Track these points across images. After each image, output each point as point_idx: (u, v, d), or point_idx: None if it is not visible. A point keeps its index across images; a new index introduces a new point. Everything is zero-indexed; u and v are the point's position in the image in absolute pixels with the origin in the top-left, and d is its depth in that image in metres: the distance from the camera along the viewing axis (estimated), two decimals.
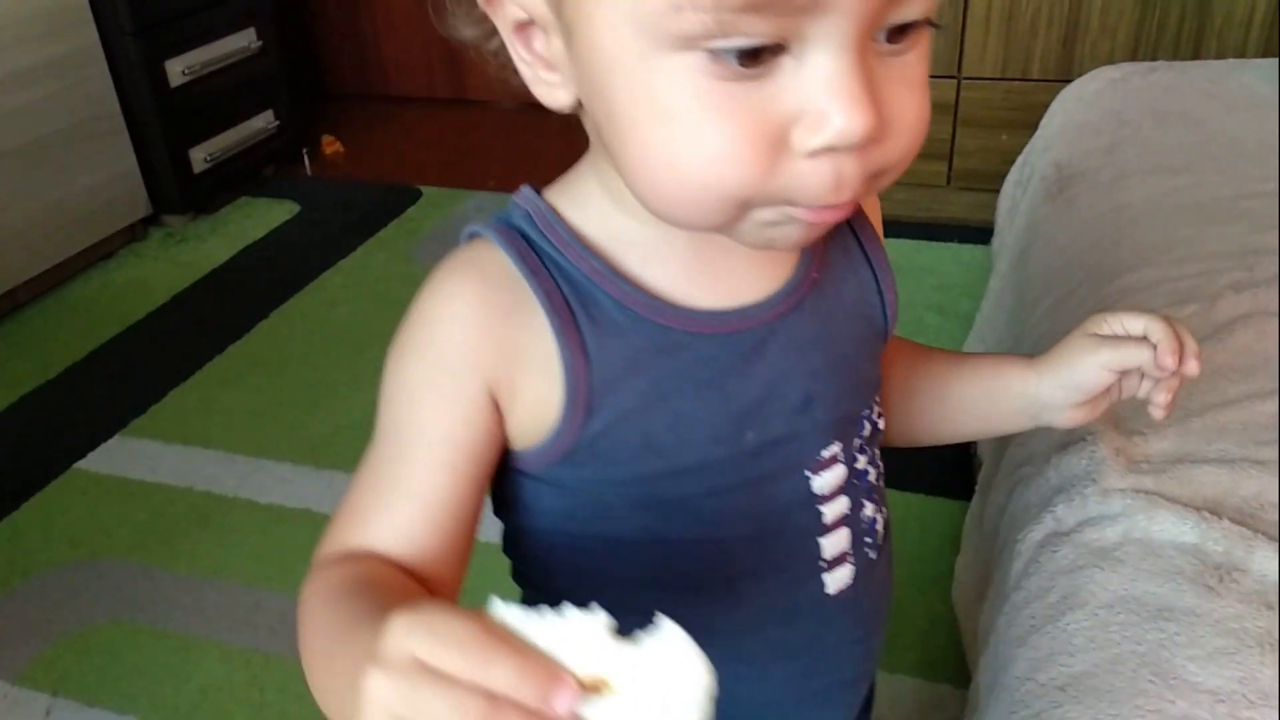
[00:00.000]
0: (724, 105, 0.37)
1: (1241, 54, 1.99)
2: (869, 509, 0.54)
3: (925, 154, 2.05)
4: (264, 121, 2.65)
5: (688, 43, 0.36)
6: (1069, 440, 0.81)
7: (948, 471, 1.51)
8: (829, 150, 0.37)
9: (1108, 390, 0.56)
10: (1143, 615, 0.64)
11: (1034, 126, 1.67)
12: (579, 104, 0.43)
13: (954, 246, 2.20)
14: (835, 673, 0.56)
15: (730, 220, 0.41)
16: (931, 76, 1.77)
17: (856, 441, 0.53)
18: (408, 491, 0.46)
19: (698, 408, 0.48)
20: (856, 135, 0.37)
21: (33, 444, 1.76)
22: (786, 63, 0.37)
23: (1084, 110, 1.44)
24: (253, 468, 1.65)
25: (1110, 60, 1.95)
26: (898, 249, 2.28)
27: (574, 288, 0.46)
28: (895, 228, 2.33)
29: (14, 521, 1.58)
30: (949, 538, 1.40)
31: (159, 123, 2.38)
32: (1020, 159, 1.62)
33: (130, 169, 2.38)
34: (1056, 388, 0.57)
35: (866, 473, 0.54)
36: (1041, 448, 0.84)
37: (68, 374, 1.94)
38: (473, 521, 0.48)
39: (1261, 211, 1.06)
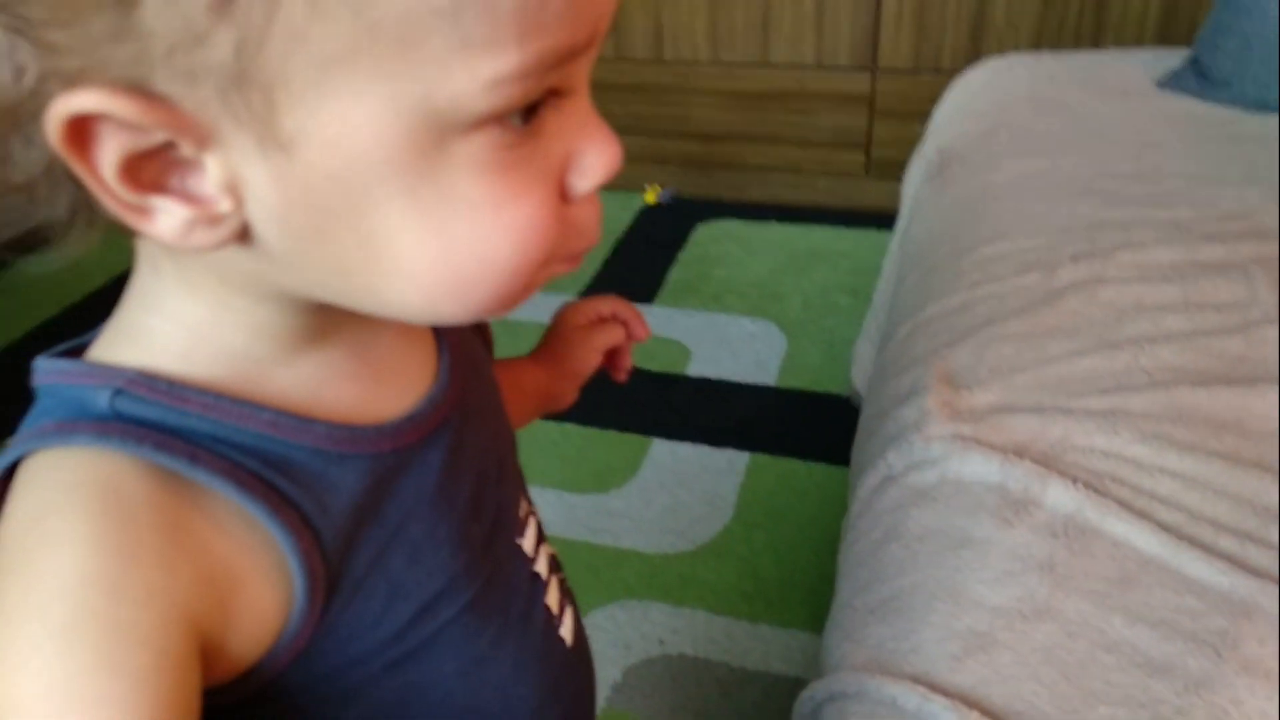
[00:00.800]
0: (517, 176, 0.32)
1: (1139, 46, 2.08)
2: (554, 554, 0.52)
3: (845, 144, 2.14)
4: None
5: (486, 120, 0.30)
6: (905, 394, 0.88)
7: (847, 441, 1.58)
8: (596, 188, 0.35)
9: None
10: (945, 545, 0.70)
11: None
12: (212, 247, 0.32)
13: (871, 233, 2.28)
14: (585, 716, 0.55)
15: (516, 293, 0.35)
16: (848, 68, 1.90)
17: (525, 489, 0.52)
18: None
19: (432, 526, 0.42)
20: (618, 163, 0.35)
21: None
22: (548, 112, 0.33)
23: (971, 98, 1.51)
24: None
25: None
26: (818, 236, 2.35)
27: (254, 456, 0.36)
28: (816, 215, 2.41)
29: None
30: (844, 502, 1.47)
31: None
32: (920, 146, 1.70)
33: None
34: (561, 378, 0.63)
35: (535, 513, 0.52)
36: (885, 404, 0.91)
37: None
38: None
39: (1112, 190, 1.14)
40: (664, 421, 1.73)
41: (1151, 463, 0.73)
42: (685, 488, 1.59)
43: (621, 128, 2.26)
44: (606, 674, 1.29)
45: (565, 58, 0.31)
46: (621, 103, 2.44)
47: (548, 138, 0.33)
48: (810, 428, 1.71)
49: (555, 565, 0.52)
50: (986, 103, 1.46)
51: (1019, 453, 0.75)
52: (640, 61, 2.39)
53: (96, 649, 0.30)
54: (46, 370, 0.36)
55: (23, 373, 0.37)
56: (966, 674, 0.60)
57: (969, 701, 0.57)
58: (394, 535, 0.40)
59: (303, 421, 0.37)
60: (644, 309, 2.07)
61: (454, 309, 0.34)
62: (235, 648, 0.35)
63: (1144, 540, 0.65)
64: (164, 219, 0.31)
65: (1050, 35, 2.13)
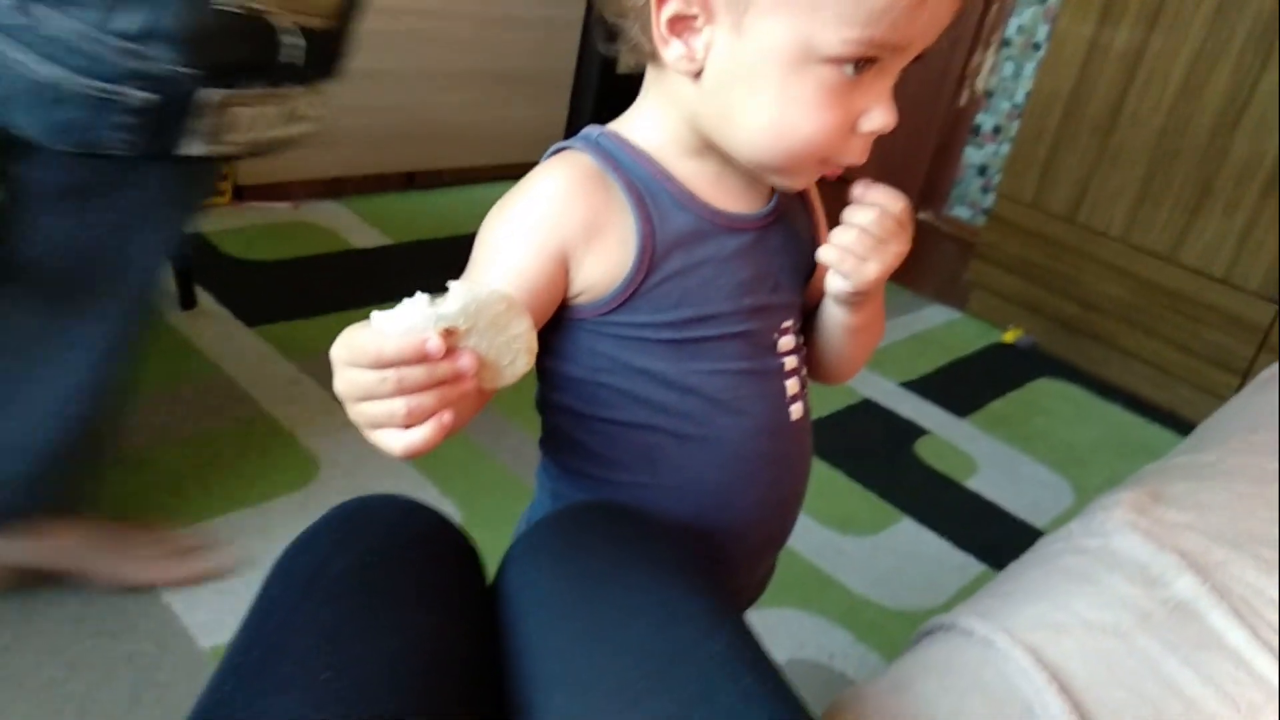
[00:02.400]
0: (836, 100, 0.59)
1: None
2: (803, 370, 0.77)
3: (1222, 364, 2.24)
4: None
5: (833, 60, 0.57)
6: (1109, 495, 1.00)
7: None
8: (872, 134, 0.62)
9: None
10: (1074, 578, 0.84)
11: None
12: (683, 75, 0.62)
13: None
14: (793, 485, 0.79)
15: (800, 169, 0.63)
16: (1254, 294, 2.06)
17: (797, 323, 0.76)
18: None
19: (717, 276, 0.69)
20: (891, 127, 0.61)
21: (410, 283, 2.32)
22: (867, 75, 0.59)
23: None
24: None
25: None
26: (1154, 434, 2.38)
27: (642, 182, 0.66)
28: (1164, 417, 2.39)
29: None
30: None
31: (594, 96, 2.95)
32: None
33: (557, 120, 2.96)
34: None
35: (802, 346, 0.77)
36: (1095, 503, 1.03)
37: (448, 240, 2.51)
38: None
39: None
40: (923, 508, 1.87)
41: None
42: (911, 564, 1.72)
43: (1010, 266, 2.57)
44: None
45: (887, 47, 0.58)
46: (1022, 244, 2.58)
47: (860, 91, 0.60)
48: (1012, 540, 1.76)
49: (801, 376, 0.76)
50: None
51: (1174, 551, 0.86)
52: (1053, 215, 2.52)
53: (513, 230, 0.65)
54: (587, 129, 0.70)
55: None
56: (1032, 635, 0.74)
57: (1019, 642, 0.72)
58: (694, 265, 0.68)
59: (672, 179, 0.68)
60: (954, 419, 2.20)
61: (763, 161, 0.63)
62: (585, 273, 0.66)
63: (1235, 636, 0.75)
64: (672, 50, 0.62)
65: None
